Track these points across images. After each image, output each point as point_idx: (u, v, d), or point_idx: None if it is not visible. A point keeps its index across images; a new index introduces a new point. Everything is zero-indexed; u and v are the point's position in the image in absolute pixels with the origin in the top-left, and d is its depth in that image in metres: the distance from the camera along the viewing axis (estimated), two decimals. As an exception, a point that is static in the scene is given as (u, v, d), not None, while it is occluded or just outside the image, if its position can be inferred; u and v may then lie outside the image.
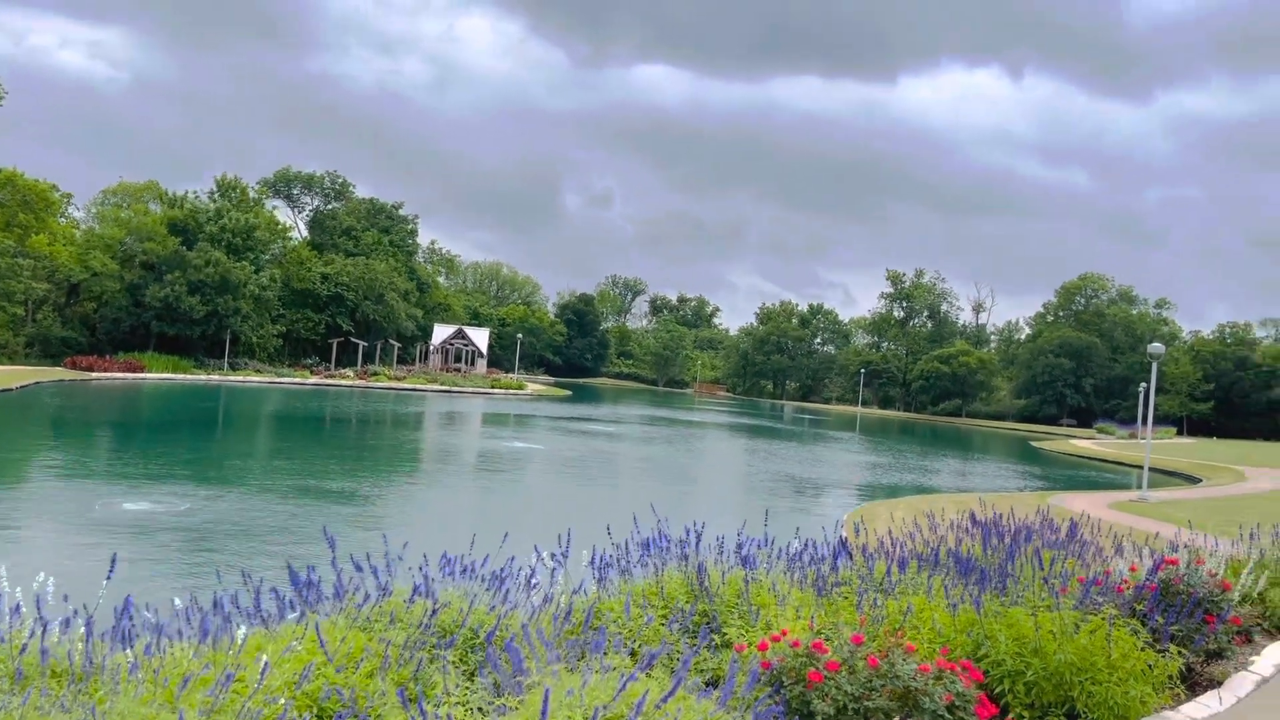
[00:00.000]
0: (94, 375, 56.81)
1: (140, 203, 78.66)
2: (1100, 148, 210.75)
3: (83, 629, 5.00)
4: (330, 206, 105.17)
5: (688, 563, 7.73)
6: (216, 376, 65.66)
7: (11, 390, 42.57)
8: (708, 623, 6.96)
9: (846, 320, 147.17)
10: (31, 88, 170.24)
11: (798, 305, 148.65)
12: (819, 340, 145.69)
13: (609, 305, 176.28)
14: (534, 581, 7.07)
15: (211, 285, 67.32)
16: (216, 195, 79.62)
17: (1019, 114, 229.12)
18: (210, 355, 70.49)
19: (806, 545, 8.58)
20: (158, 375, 61.45)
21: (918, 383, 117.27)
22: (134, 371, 60.51)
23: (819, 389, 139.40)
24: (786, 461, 39.73)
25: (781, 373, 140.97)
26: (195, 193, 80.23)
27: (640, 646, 6.26)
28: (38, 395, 43.48)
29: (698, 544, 7.89)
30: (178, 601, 5.66)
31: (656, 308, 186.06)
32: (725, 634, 6.74)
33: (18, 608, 5.15)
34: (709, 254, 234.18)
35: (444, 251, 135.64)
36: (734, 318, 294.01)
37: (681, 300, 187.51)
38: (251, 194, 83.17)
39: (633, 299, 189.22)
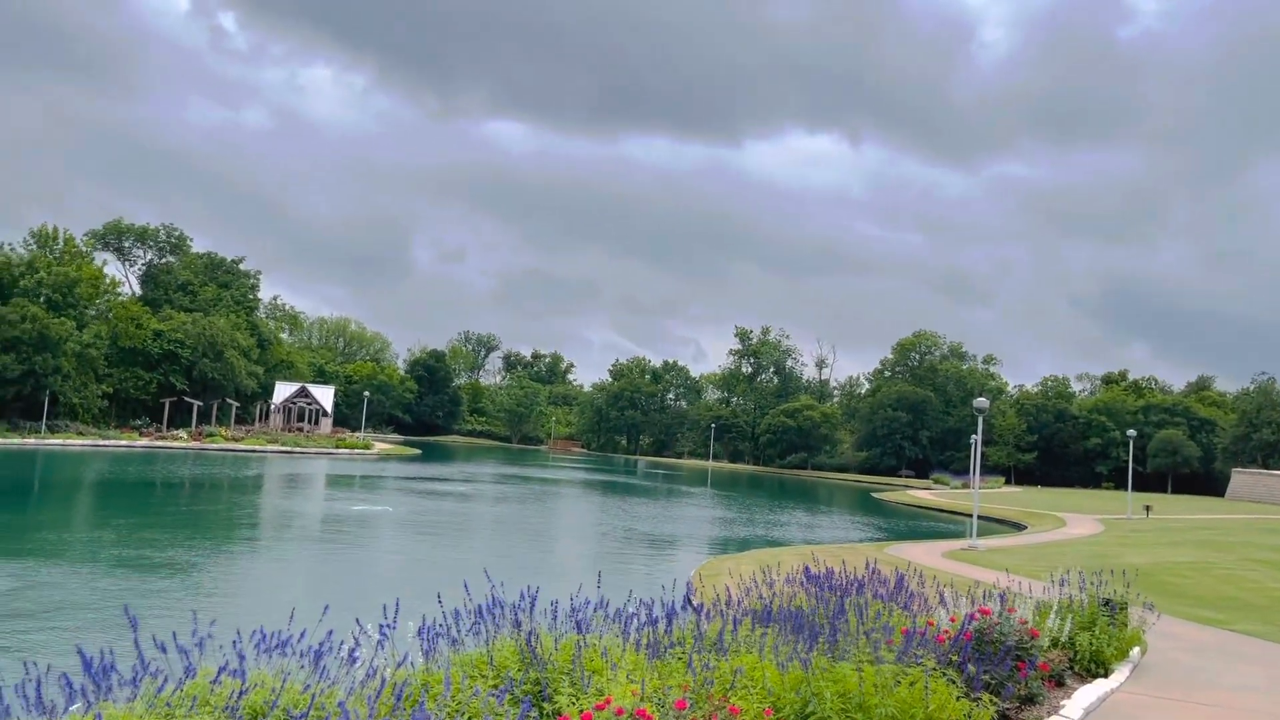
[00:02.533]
0: (-113, 440, 51.96)
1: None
2: (931, 210, 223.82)
3: None
4: (165, 260, 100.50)
5: (520, 630, 7.54)
6: (32, 440, 61.05)
7: None
8: (538, 691, 6.78)
9: (698, 376, 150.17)
10: None
11: (650, 361, 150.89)
12: (671, 395, 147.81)
13: (461, 362, 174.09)
14: (355, 655, 6.73)
15: (28, 342, 62.95)
16: (33, 246, 74.80)
17: (856, 177, 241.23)
18: (26, 417, 65.56)
19: (642, 605, 8.51)
20: (-37, 439, 56.64)
21: (765, 436, 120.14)
22: (-65, 435, 55.64)
23: (672, 443, 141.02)
24: (637, 518, 39.76)
25: (635, 428, 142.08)
26: (10, 244, 75.26)
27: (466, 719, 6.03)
28: None
29: (532, 609, 7.71)
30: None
31: (510, 364, 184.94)
32: (555, 703, 6.58)
33: None
34: (563, 310, 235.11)
35: (287, 307, 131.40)
36: (589, 373, 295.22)
37: (536, 356, 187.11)
38: (79, 245, 78.64)
39: (486, 355, 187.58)
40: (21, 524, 27.31)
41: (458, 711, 6.22)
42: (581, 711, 5.78)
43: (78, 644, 6.63)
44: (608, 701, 5.76)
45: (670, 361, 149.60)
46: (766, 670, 6.96)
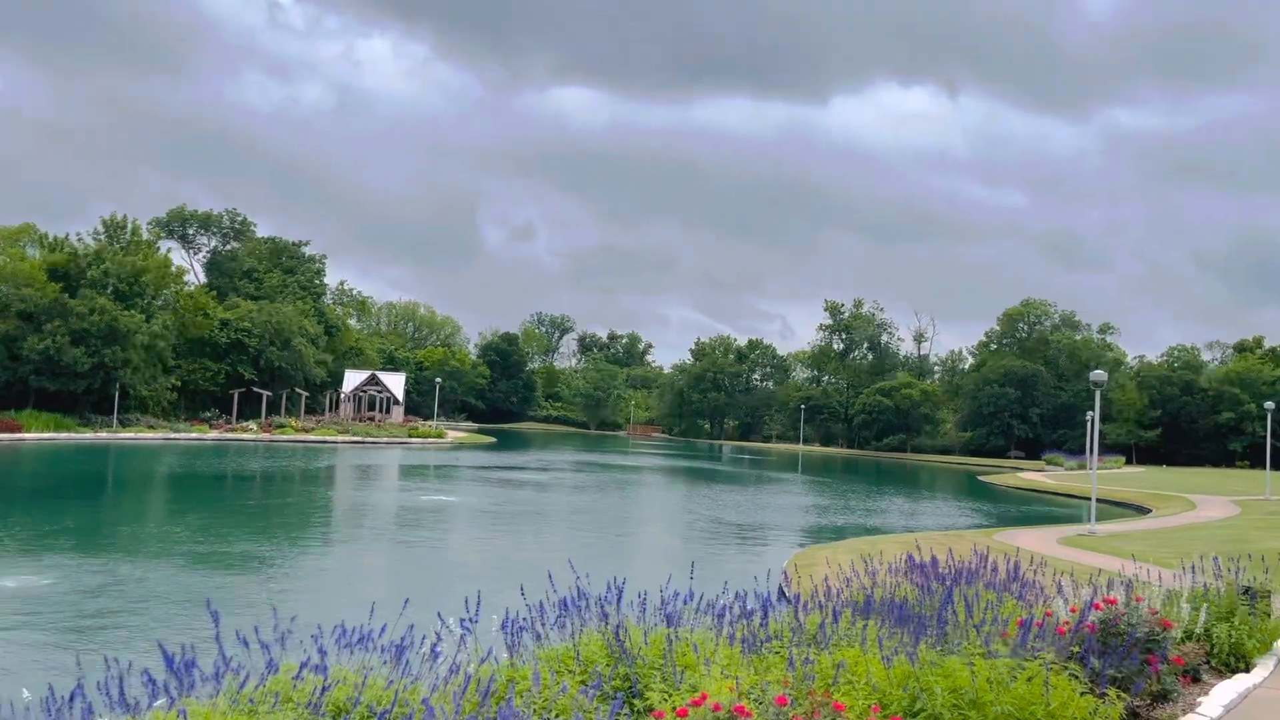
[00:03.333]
0: (-36, 437, 54.71)
1: (15, 247, 76.34)
2: (1037, 167, 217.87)
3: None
4: (229, 247, 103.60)
5: (607, 623, 7.61)
6: (104, 434, 63.71)
7: None
8: (628, 688, 6.84)
9: (785, 354, 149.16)
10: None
11: (734, 339, 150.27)
12: (757, 376, 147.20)
13: (535, 345, 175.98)
14: (438, 651, 6.89)
15: (97, 335, 65.51)
16: (103, 237, 77.77)
17: (954, 134, 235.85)
18: (97, 411, 68.42)
19: (737, 598, 8.52)
20: (37, 435, 59.39)
21: (860, 417, 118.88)
22: (10, 432, 58.34)
23: (758, 427, 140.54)
24: (724, 506, 39.80)
25: (719, 411, 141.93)
26: (79, 234, 78.33)
27: (555, 717, 6.12)
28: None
29: (619, 601, 7.78)
30: (26, 694, 5.37)
31: (586, 346, 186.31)
32: (646, 699, 6.63)
33: None
34: (640, 287, 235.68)
35: (355, 292, 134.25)
36: (668, 353, 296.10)
37: (612, 337, 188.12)
38: (144, 234, 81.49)
39: (560, 337, 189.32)
40: (98, 519, 28.56)
41: (545, 708, 6.31)
42: (676, 708, 5.81)
43: (159, 640, 6.92)
44: (703, 698, 5.79)
45: (755, 339, 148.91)
46: (871, 664, 6.91)
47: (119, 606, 15.87)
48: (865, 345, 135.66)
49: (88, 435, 62.61)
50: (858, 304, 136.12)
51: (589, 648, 7.37)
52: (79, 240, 77.20)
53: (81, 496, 34.61)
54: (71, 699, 5.27)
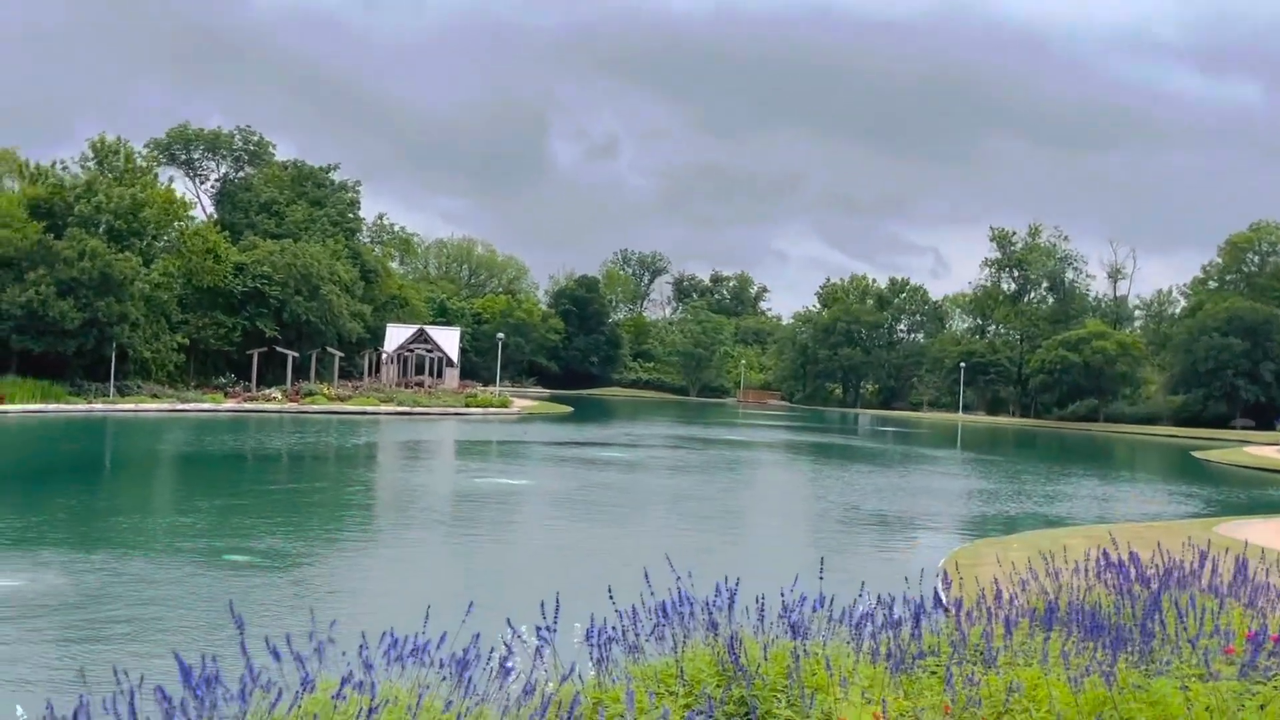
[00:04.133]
0: (-63, 410, 57.32)
1: (-10, 178, 79.34)
2: (1274, 47, 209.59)
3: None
4: (243, 174, 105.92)
5: (717, 633, 7.68)
6: (100, 405, 66.13)
7: None
8: (744, 714, 6.91)
9: (939, 298, 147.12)
10: None
11: (873, 280, 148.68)
12: (903, 326, 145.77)
13: (619, 290, 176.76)
14: (509, 666, 7.02)
15: (88, 284, 67.82)
16: (91, 163, 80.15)
17: (1162, 9, 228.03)
18: (91, 378, 70.86)
19: (880, 604, 8.51)
20: (21, 407, 61.88)
21: (1037, 378, 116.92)
22: (-10, 402, 60.99)
23: (904, 391, 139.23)
24: (862, 492, 39.62)
25: (854, 371, 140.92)
26: (63, 162, 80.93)
27: (652, 748, 6.22)
28: None
29: (731, 607, 7.84)
30: (21, 712, 5.64)
31: (683, 291, 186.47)
32: (768, 728, 6.69)
33: None
34: (752, 216, 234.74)
35: (397, 228, 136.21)
36: (788, 299, 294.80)
37: (716, 280, 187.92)
38: (138, 159, 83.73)
39: (651, 281, 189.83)
40: (97, 507, 29.73)
41: (641, 737, 6.41)
42: (805, 739, 5.85)
43: (175, 649, 7.19)
44: (841, 725, 5.81)
45: (900, 279, 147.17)
46: (1054, 688, 6.86)
47: (125, 611, 16.54)
48: (1044, 285, 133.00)
49: (80, 406, 65.01)
50: (1034, 231, 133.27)
51: (695, 664, 7.45)
52: (64, 170, 79.79)
53: (76, 480, 36.00)
54: (75, 716, 5.52)
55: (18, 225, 69.10)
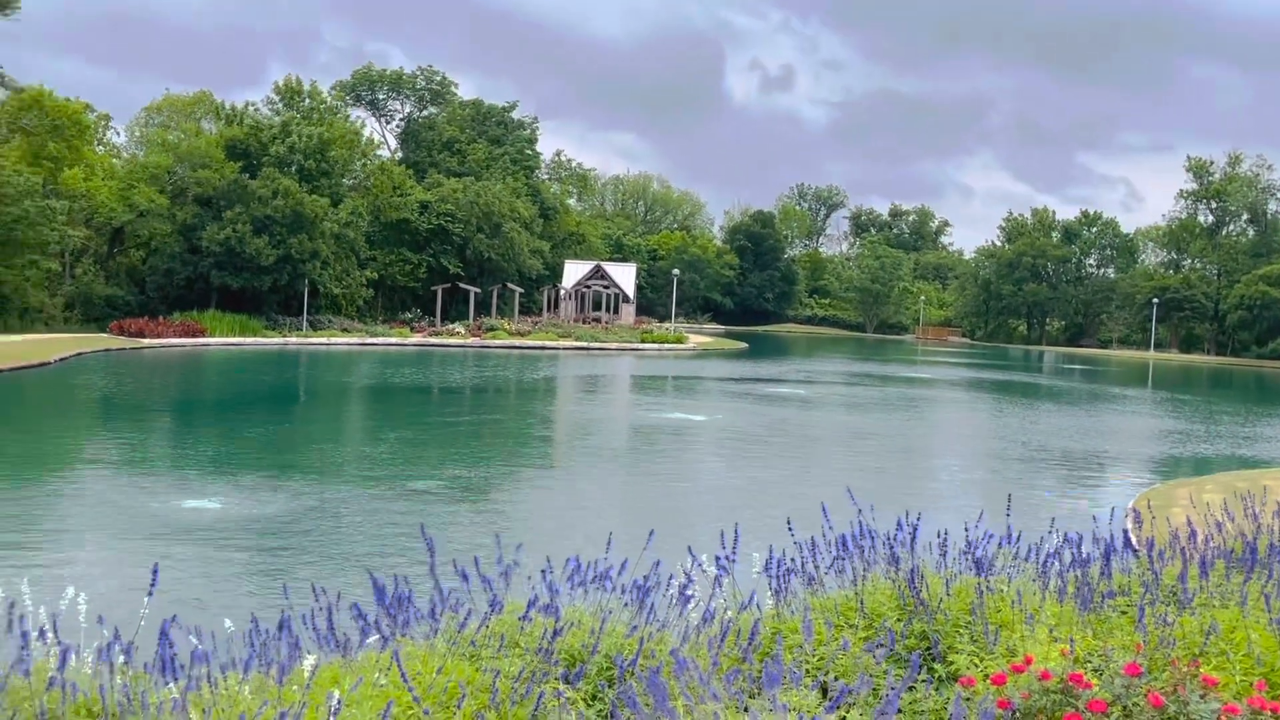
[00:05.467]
0: (145, 342, 60.57)
1: (190, 120, 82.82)
2: None
3: (118, 658, 5.32)
4: (426, 113, 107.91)
5: (898, 567, 7.60)
6: (294, 339, 68.96)
7: (49, 364, 45.85)
8: (926, 648, 6.84)
9: (1130, 231, 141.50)
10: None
11: (1059, 214, 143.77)
12: (1092, 261, 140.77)
13: (795, 226, 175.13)
14: (689, 594, 7.09)
15: (282, 222, 70.35)
16: (279, 104, 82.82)
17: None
18: (285, 312, 73.86)
19: (1066, 542, 8.30)
20: (221, 340, 65.01)
21: (1235, 315, 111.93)
22: (193, 336, 64.16)
23: (1092, 328, 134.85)
24: (1047, 432, 38.71)
25: (1039, 307, 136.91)
26: (254, 104, 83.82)
27: (832, 679, 6.20)
28: (81, 369, 46.70)
29: (913, 542, 7.74)
30: (230, 624, 5.95)
31: (860, 226, 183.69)
32: (950, 663, 6.61)
33: (42, 632, 5.52)
34: (932, 147, 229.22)
35: (574, 165, 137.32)
36: (969, 233, 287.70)
37: (895, 214, 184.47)
38: (328, 99, 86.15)
39: (827, 215, 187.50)
40: (291, 436, 31.13)
41: (820, 668, 6.41)
42: (990, 675, 5.77)
43: (369, 569, 7.50)
44: (1027, 663, 5.71)
45: (1089, 213, 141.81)
46: (1253, 631, 6.60)
47: (318, 534, 17.31)
48: (1244, 217, 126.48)
49: (275, 340, 67.90)
50: (1233, 160, 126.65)
51: (875, 597, 7.40)
52: (255, 111, 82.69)
53: (271, 410, 37.71)
54: (281, 630, 5.80)
55: (216, 165, 72.04)
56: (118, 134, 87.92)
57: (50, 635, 5.54)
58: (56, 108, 68.64)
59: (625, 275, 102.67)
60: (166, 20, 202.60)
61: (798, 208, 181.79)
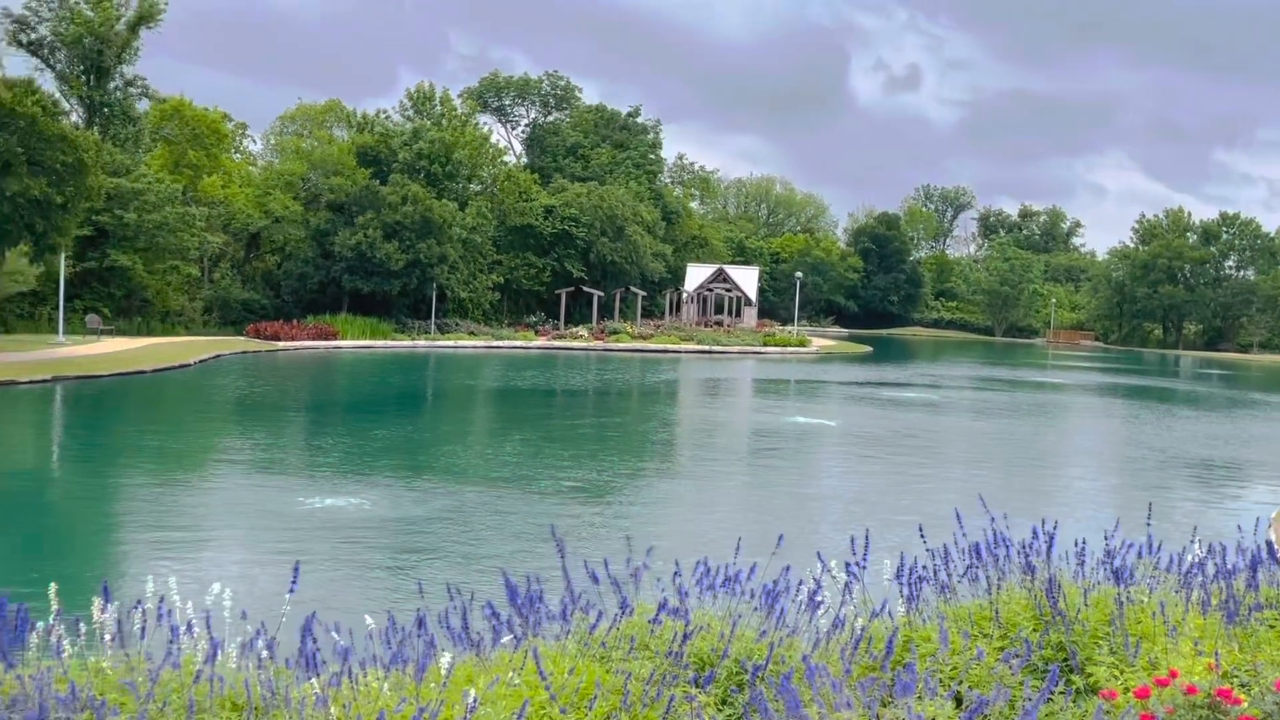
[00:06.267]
0: (280, 345, 62.24)
1: (322, 128, 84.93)
2: None
3: (261, 653, 5.48)
4: (551, 118, 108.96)
5: (1034, 576, 7.46)
6: (422, 342, 70.21)
7: (189, 365, 47.43)
8: (1063, 660, 6.70)
9: (1272, 232, 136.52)
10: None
11: (1195, 214, 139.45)
12: (1231, 263, 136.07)
13: (921, 227, 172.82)
14: (818, 600, 7.05)
15: (411, 227, 71.68)
16: (410, 111, 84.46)
17: None
18: (414, 316, 75.24)
19: (1210, 552, 8.06)
20: (353, 342, 66.51)
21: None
22: (325, 339, 65.73)
23: (1231, 332, 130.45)
24: (1186, 439, 37.62)
25: (1175, 311, 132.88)
26: (385, 111, 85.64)
27: (966, 689, 6.11)
28: (219, 370, 48.18)
29: (1049, 550, 7.58)
30: (370, 621, 6.08)
31: (989, 227, 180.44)
32: (1089, 675, 6.47)
33: (190, 626, 5.71)
34: (1064, 146, 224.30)
35: (696, 168, 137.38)
36: (1102, 236, 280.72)
37: (1025, 215, 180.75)
38: (457, 106, 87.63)
39: (954, 217, 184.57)
40: (421, 437, 31.74)
41: (954, 678, 6.32)
42: (1131, 688, 5.62)
43: (503, 568, 7.61)
44: (1172, 676, 5.55)
45: (1229, 213, 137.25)
46: None
47: (450, 533, 17.61)
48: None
49: (404, 343, 69.18)
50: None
51: (1010, 607, 7.28)
52: (386, 118, 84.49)
53: (402, 411, 38.49)
54: (419, 627, 5.92)
55: (348, 172, 73.74)
56: (254, 142, 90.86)
57: (197, 630, 5.73)
58: (196, 117, 71.07)
59: (747, 278, 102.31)
60: (299, 31, 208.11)
61: (924, 209, 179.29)
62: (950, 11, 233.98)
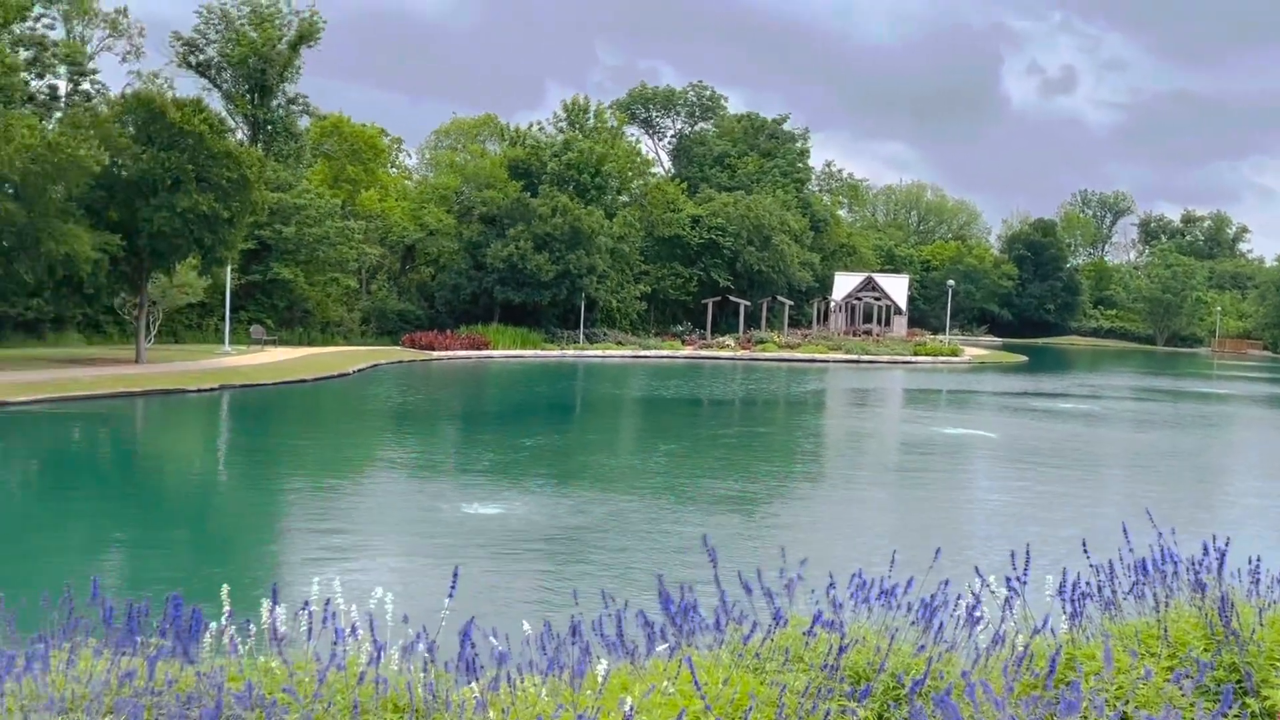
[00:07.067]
0: (434, 354, 63.66)
1: (475, 142, 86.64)
2: None
3: (423, 656, 5.59)
4: (697, 128, 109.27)
5: (1204, 594, 7.20)
6: (571, 351, 71.08)
7: (348, 374, 48.82)
8: (1237, 681, 6.45)
9: None
10: (336, 14, 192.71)
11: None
12: None
13: (1079, 234, 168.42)
14: (977, 615, 6.92)
15: (560, 239, 72.63)
16: (563, 123, 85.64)
17: None
18: (563, 325, 76.25)
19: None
20: (504, 352, 67.70)
21: None
22: (478, 348, 67.02)
23: None
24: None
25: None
26: (539, 124, 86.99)
27: (1133, 709, 5.93)
28: (376, 380, 49.47)
29: (1220, 567, 7.31)
30: (527, 627, 6.16)
31: (1150, 233, 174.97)
32: (1265, 698, 6.21)
33: (354, 629, 5.86)
34: (1228, 149, 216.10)
35: (844, 175, 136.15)
36: (1270, 240, 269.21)
37: (1188, 220, 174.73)
38: (609, 119, 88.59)
39: (1113, 222, 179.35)
40: (570, 445, 32.11)
41: (1120, 698, 6.14)
42: (1313, 714, 5.38)
43: (658, 574, 7.64)
44: (1358, 702, 5.29)
45: None
46: None
47: (599, 540, 17.76)
48: None
49: (554, 352, 70.15)
50: None
51: (1178, 625, 7.03)
52: (540, 131, 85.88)
53: (552, 420, 39.01)
54: (575, 634, 5.98)
55: (499, 185, 75.09)
56: (409, 156, 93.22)
57: (361, 632, 5.88)
58: (354, 133, 73.27)
59: (897, 287, 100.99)
60: (450, 46, 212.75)
61: (1081, 215, 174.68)
62: (1106, 12, 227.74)
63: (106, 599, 5.86)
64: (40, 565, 15.62)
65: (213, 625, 5.94)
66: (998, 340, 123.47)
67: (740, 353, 76.30)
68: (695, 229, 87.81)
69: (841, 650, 6.11)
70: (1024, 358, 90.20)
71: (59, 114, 54.09)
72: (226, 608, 5.93)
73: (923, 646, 6.44)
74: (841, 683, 6.01)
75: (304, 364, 49.96)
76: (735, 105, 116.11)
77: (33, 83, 54.62)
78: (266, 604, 5.88)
